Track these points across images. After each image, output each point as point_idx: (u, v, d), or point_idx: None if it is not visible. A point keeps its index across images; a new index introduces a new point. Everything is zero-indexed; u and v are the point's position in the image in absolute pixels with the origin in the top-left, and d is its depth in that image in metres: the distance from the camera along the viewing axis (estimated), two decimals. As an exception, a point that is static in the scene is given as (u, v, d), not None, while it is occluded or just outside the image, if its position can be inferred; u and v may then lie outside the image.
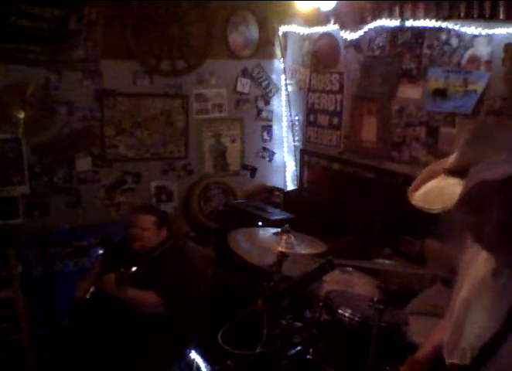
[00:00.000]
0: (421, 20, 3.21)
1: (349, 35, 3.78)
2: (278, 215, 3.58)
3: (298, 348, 2.43)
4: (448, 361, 1.43)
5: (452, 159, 1.29)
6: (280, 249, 2.32)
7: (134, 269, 2.64)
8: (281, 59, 4.53)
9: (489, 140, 1.24)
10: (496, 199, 1.18)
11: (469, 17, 2.93)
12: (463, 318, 1.39)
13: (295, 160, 4.62)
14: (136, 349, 2.65)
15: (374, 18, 3.54)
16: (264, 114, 4.60)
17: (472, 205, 1.22)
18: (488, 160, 1.20)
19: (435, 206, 1.26)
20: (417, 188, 1.36)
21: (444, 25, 3.10)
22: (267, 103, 4.59)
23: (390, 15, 3.41)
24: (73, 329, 2.87)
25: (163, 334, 2.74)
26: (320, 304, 2.36)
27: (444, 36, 3.15)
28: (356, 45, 3.80)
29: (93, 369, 2.63)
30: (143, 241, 2.91)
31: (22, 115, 3.55)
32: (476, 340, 1.33)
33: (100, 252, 3.33)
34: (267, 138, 4.67)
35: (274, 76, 4.56)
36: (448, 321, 1.52)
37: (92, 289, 2.80)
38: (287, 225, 2.45)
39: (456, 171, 1.26)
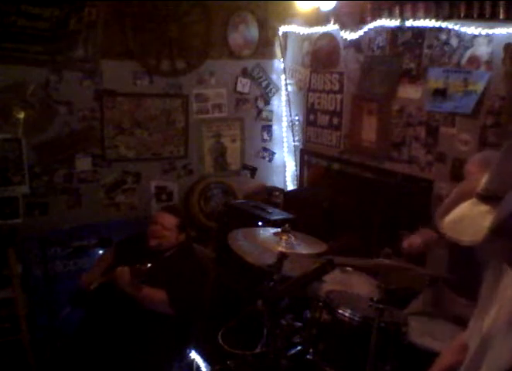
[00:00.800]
0: (421, 20, 3.22)
1: (349, 35, 3.78)
2: (278, 215, 3.57)
3: (298, 348, 2.43)
4: None
5: (483, 183, 1.19)
6: (280, 249, 2.31)
7: (149, 265, 2.62)
8: (281, 59, 4.53)
9: None
10: None
11: (469, 17, 2.94)
12: (487, 342, 1.34)
13: (295, 160, 4.62)
14: (137, 348, 2.64)
15: (374, 18, 3.54)
16: (264, 114, 4.60)
17: (506, 233, 1.14)
18: None
19: (465, 238, 1.17)
20: (446, 213, 1.27)
21: (444, 25, 3.10)
22: (267, 103, 4.59)
23: (390, 15, 3.42)
24: (74, 322, 2.86)
25: (164, 333, 2.74)
26: (320, 304, 2.35)
27: (444, 36, 3.15)
28: (356, 45, 3.80)
29: (93, 367, 2.62)
30: (161, 239, 2.90)
31: (22, 115, 3.55)
32: (501, 366, 1.27)
33: (100, 252, 3.33)
34: (267, 138, 4.67)
35: (274, 76, 4.56)
36: (461, 344, 1.48)
37: (98, 282, 2.78)
38: (287, 225, 2.45)
39: (489, 197, 1.16)
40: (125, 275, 2.63)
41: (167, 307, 2.68)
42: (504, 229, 1.11)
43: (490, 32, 2.86)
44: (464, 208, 1.21)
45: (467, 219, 1.19)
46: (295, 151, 4.62)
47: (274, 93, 4.59)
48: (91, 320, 2.79)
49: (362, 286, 2.80)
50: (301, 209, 3.78)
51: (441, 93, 3.17)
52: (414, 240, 2.62)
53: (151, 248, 2.90)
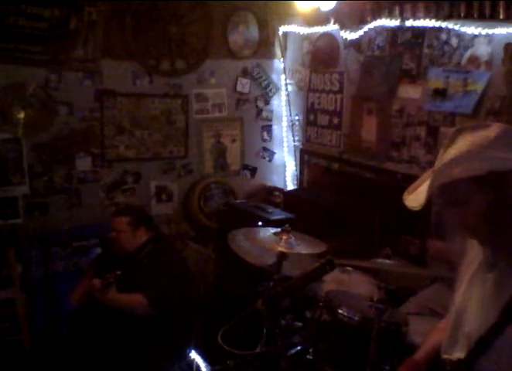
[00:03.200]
0: (421, 20, 3.21)
1: (349, 35, 3.78)
2: (278, 215, 3.58)
3: (298, 348, 2.42)
4: (443, 356, 1.43)
5: (437, 160, 1.36)
6: (280, 249, 2.31)
7: (118, 272, 2.63)
8: (281, 59, 4.53)
9: (464, 139, 1.31)
10: (472, 194, 1.24)
11: (469, 17, 2.93)
12: (461, 313, 1.39)
13: (295, 160, 4.62)
14: (135, 351, 2.64)
15: (374, 18, 3.54)
16: (264, 114, 4.60)
17: (449, 201, 1.30)
18: (451, 157, 1.28)
19: (415, 204, 1.36)
20: (412, 192, 1.45)
21: (444, 25, 3.10)
22: (267, 103, 4.59)
23: (390, 15, 3.41)
24: (70, 336, 2.87)
25: (160, 335, 2.74)
26: (320, 304, 2.35)
27: (444, 36, 3.15)
28: (356, 45, 3.80)
29: (94, 368, 2.63)
30: (121, 243, 2.89)
31: (22, 115, 3.55)
32: (472, 334, 1.32)
33: (97, 249, 3.33)
34: (267, 138, 4.67)
35: (274, 76, 4.56)
36: (447, 321, 1.52)
37: (84, 298, 2.80)
38: (287, 225, 2.45)
39: None
40: (96, 287, 2.64)
41: (147, 308, 2.67)
42: (447, 195, 1.30)
43: (490, 32, 2.85)
44: (424, 185, 1.38)
45: (421, 190, 1.37)
46: (295, 151, 4.61)
47: (274, 93, 4.59)
48: (87, 329, 2.78)
49: (362, 286, 2.80)
50: (301, 209, 3.78)
51: (441, 93, 3.17)
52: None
53: (120, 253, 2.89)
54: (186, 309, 2.89)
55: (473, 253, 1.41)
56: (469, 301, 1.37)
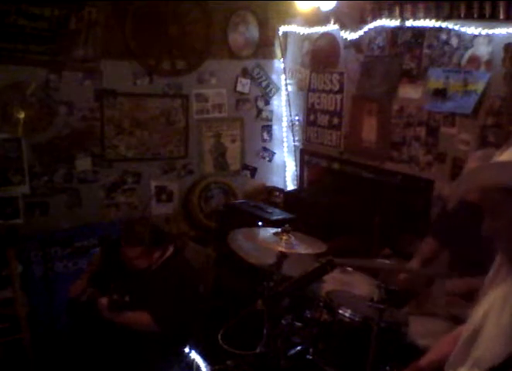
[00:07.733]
0: (421, 20, 3.22)
1: (349, 35, 3.78)
2: (278, 215, 3.58)
3: (298, 348, 2.42)
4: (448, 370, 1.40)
5: None
6: (280, 249, 2.31)
7: (127, 299, 2.60)
8: (281, 59, 4.53)
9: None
10: (505, 205, 1.17)
11: (469, 17, 2.94)
12: (477, 331, 1.32)
13: (295, 160, 4.62)
14: (134, 351, 2.64)
15: (374, 18, 3.54)
16: (264, 114, 4.60)
17: (486, 208, 1.21)
18: (481, 165, 1.22)
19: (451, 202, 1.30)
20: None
21: (444, 25, 3.10)
22: (267, 103, 4.59)
23: (390, 15, 3.42)
24: (70, 331, 2.86)
25: (160, 335, 2.73)
26: (320, 304, 2.35)
27: (444, 36, 3.15)
28: (356, 45, 3.80)
29: (93, 368, 2.63)
30: (134, 266, 2.79)
31: (22, 115, 3.55)
32: (482, 360, 1.25)
33: (96, 250, 3.31)
34: (267, 138, 4.67)
35: (274, 76, 4.56)
36: (460, 332, 1.48)
37: (86, 295, 2.77)
38: (287, 225, 2.45)
39: None
40: (103, 307, 2.61)
41: (153, 327, 2.64)
42: (481, 203, 1.23)
43: (490, 32, 2.86)
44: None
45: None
46: (295, 151, 4.61)
47: (274, 93, 4.59)
48: (88, 326, 2.77)
49: (362, 286, 2.80)
50: (301, 209, 3.78)
51: (441, 93, 3.18)
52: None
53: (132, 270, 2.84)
54: (187, 322, 2.85)
55: (501, 273, 1.33)
56: (488, 319, 1.29)
